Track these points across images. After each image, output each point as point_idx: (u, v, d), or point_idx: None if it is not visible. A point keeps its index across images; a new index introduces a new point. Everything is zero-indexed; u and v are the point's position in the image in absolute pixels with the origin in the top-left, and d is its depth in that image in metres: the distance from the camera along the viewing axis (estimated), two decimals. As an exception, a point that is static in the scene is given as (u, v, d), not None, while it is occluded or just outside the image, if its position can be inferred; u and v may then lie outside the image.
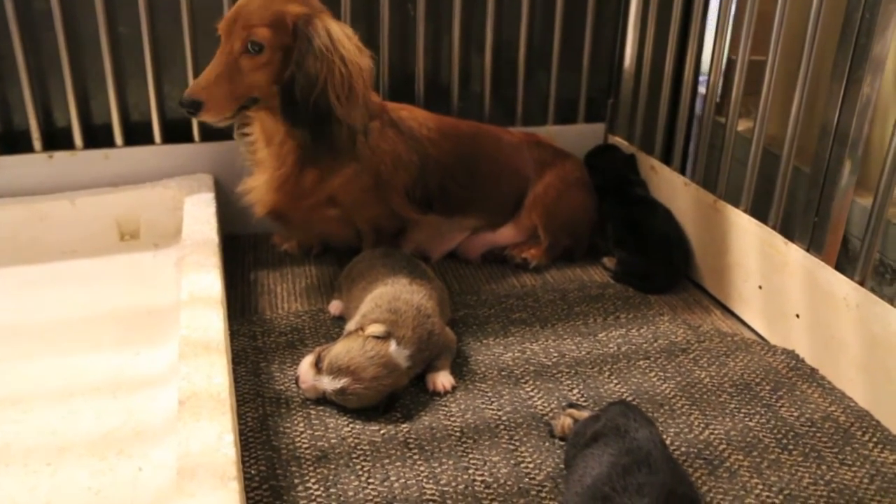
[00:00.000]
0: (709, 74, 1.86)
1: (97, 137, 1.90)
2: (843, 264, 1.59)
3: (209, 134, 1.91)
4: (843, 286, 1.45)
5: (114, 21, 1.83)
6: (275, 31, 1.50)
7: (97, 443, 1.23)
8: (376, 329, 1.34)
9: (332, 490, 1.17)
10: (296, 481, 1.19)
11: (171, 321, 1.48)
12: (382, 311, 1.40)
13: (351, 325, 1.43)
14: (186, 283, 1.44)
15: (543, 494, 1.18)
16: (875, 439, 1.33)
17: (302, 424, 1.31)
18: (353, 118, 1.57)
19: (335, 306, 1.64)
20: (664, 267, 1.83)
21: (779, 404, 1.40)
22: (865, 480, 1.23)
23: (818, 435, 1.33)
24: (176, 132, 1.94)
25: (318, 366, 1.34)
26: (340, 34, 1.54)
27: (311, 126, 1.55)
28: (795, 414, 1.38)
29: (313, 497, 1.16)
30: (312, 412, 1.34)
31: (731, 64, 1.83)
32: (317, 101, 1.52)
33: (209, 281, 1.46)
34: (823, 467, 1.26)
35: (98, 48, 1.82)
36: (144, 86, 1.88)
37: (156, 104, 1.90)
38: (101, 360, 1.44)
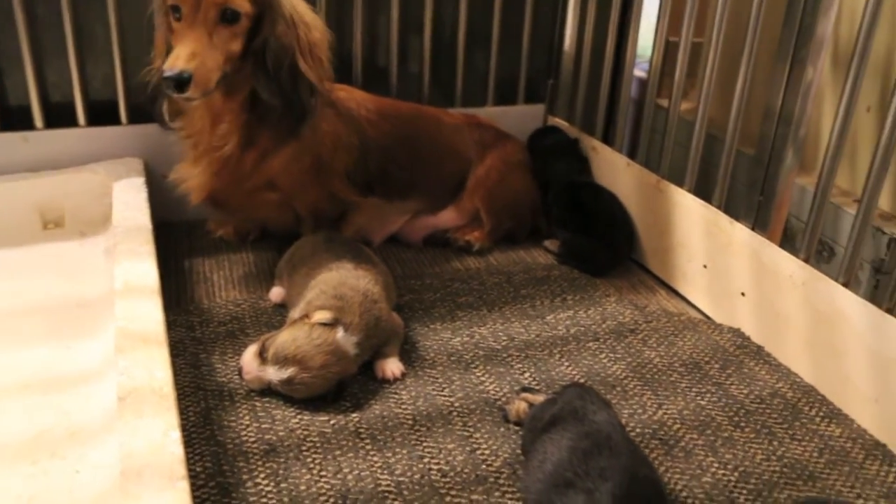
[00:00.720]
0: (651, 56, 1.86)
1: (14, 119, 1.80)
2: (783, 243, 1.61)
3: (138, 116, 1.83)
4: (788, 264, 1.46)
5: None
6: None
7: (28, 445, 1.16)
8: (323, 316, 1.30)
9: (282, 485, 1.13)
10: (244, 477, 1.14)
11: (103, 313, 1.41)
12: (328, 298, 1.36)
13: (295, 313, 1.38)
14: (120, 273, 1.37)
15: (502, 481, 1.16)
16: (822, 413, 1.34)
17: (247, 417, 1.26)
18: (319, 83, 1.54)
19: (276, 293, 1.59)
20: (607, 248, 1.82)
21: (728, 382, 1.41)
22: (815, 454, 1.25)
23: (768, 411, 1.34)
24: (101, 114, 1.84)
25: (262, 355, 1.29)
26: (301, 1, 1.52)
27: (284, 94, 1.50)
28: (745, 391, 1.39)
29: (263, 493, 1.12)
30: (258, 404, 1.29)
31: (672, 46, 1.83)
32: (288, 68, 1.48)
33: (144, 269, 1.38)
34: (775, 443, 1.27)
35: (13, 21, 1.71)
36: (66, 64, 1.78)
37: (79, 84, 1.80)
38: (29, 355, 1.36)
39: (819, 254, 1.77)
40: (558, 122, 2.17)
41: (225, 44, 1.44)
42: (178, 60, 1.39)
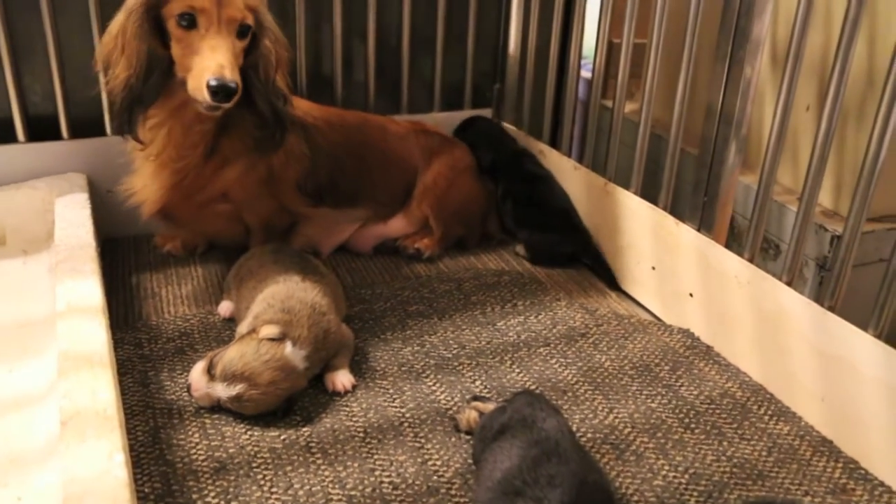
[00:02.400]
0: (594, 58, 1.87)
1: (-50, 137, 1.76)
2: (730, 242, 1.63)
3: (80, 130, 1.80)
4: (733, 264, 1.48)
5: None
6: (253, 14, 1.47)
7: (-31, 471, 1.14)
8: (270, 331, 1.28)
9: (233, 502, 1.12)
10: (194, 496, 1.13)
11: (47, 334, 1.39)
12: (276, 312, 1.35)
13: (243, 328, 1.37)
14: (62, 292, 1.34)
15: (454, 492, 1.16)
16: (770, 412, 1.36)
17: (197, 435, 1.25)
18: (289, 95, 1.57)
19: (225, 307, 1.57)
20: (572, 234, 1.85)
21: (678, 384, 1.43)
22: (764, 453, 1.26)
23: (717, 412, 1.36)
24: (41, 129, 1.81)
25: (210, 372, 1.27)
26: (272, 18, 1.55)
27: (272, 106, 1.52)
28: (695, 392, 1.40)
29: (213, 512, 1.10)
30: (207, 421, 1.28)
31: (614, 47, 1.84)
32: (273, 81, 1.51)
33: (88, 288, 1.36)
34: (725, 443, 1.28)
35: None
36: (2, 79, 1.75)
37: (17, 98, 1.76)
38: (-32, 379, 1.33)
39: (765, 251, 1.80)
40: (506, 125, 2.18)
41: (238, 56, 1.46)
42: (225, 70, 1.37)
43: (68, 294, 1.34)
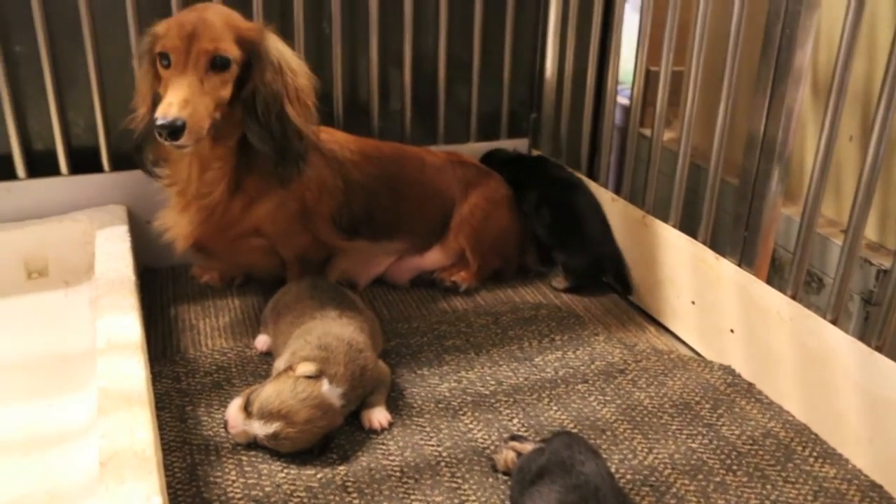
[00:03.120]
0: (631, 86, 1.86)
1: (-3, 170, 1.80)
2: (771, 275, 1.60)
3: (121, 163, 1.83)
4: (775, 300, 1.45)
5: (7, 41, 1.72)
6: (238, 46, 1.46)
7: (8, 509, 1.15)
8: (307, 368, 1.29)
9: (269, 545, 1.12)
10: (230, 537, 1.13)
11: (87, 367, 1.40)
12: (312, 348, 1.35)
13: (280, 364, 1.37)
14: (102, 328, 1.36)
15: (491, 535, 1.15)
16: (815, 454, 1.33)
17: (234, 472, 1.25)
18: (308, 129, 1.55)
19: (262, 341, 1.58)
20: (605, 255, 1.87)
21: (720, 423, 1.40)
22: (810, 497, 1.24)
23: (760, 453, 1.33)
24: (84, 161, 1.84)
25: (247, 409, 1.28)
26: (286, 48, 1.54)
27: (275, 142, 1.50)
28: (737, 432, 1.38)
29: (249, 554, 1.10)
30: (244, 458, 1.28)
31: (652, 75, 1.83)
32: (278, 115, 1.49)
33: (127, 324, 1.37)
34: (768, 486, 1.25)
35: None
36: (47, 112, 1.78)
37: (60, 132, 1.79)
38: (9, 412, 1.35)
39: (808, 285, 1.77)
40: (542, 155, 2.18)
41: (215, 90, 1.44)
42: (171, 108, 1.38)
43: (108, 330, 1.35)
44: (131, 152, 1.62)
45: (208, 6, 1.50)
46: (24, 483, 1.19)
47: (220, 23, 1.44)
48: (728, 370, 1.55)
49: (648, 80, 1.89)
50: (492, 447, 1.32)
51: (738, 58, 1.55)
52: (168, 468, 1.25)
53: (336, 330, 1.39)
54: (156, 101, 1.47)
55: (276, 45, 1.51)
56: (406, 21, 1.99)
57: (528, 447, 1.23)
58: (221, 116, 1.47)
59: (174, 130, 1.37)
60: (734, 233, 1.59)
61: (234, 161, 1.55)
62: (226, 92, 1.46)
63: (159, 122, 1.37)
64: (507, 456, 1.25)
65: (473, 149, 2.12)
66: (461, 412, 1.41)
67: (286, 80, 1.50)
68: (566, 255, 1.88)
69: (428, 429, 1.36)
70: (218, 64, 1.43)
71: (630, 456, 1.31)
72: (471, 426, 1.37)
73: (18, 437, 1.29)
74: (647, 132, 1.82)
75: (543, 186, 1.95)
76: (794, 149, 1.55)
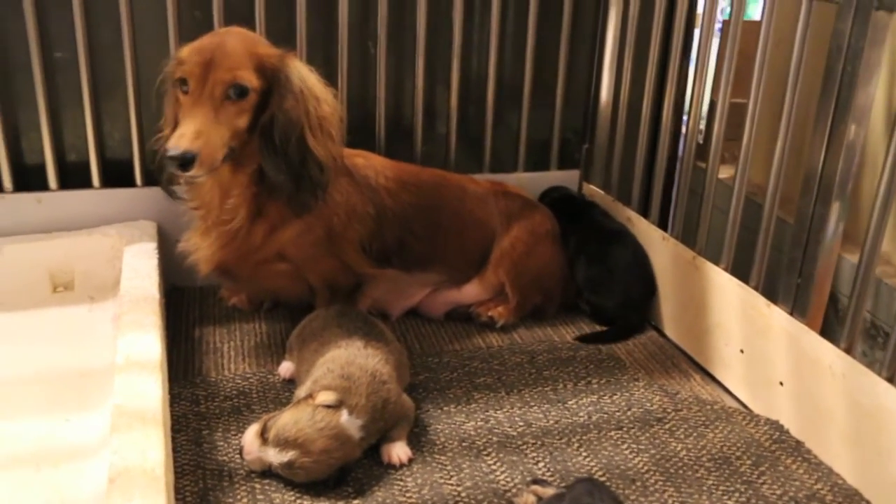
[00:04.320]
0: (687, 117, 1.90)
1: (29, 179, 1.91)
2: (833, 324, 1.61)
3: (153, 178, 1.91)
4: (828, 353, 1.47)
5: (47, 46, 1.83)
6: (257, 74, 1.52)
7: (15, 524, 1.23)
8: (326, 397, 1.35)
9: (275, 576, 1.17)
10: (236, 566, 1.19)
11: (106, 385, 1.47)
12: (334, 377, 1.41)
13: (301, 391, 1.43)
14: (123, 345, 1.44)
15: (504, 581, 1.19)
16: (864, 521, 1.35)
17: (245, 500, 1.31)
18: (329, 159, 1.60)
19: (285, 368, 1.65)
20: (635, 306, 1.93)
21: (760, 481, 1.42)
22: (851, 566, 1.25)
23: (802, 515, 1.35)
24: (116, 175, 1.94)
25: (264, 436, 1.34)
26: (310, 73, 1.59)
27: (292, 171, 1.56)
28: (778, 492, 1.40)
29: (254, 584, 1.16)
30: (257, 486, 1.34)
31: (712, 106, 1.86)
32: (295, 143, 1.54)
33: (148, 343, 1.45)
34: (806, 552, 1.27)
35: (30, 80, 1.82)
36: (82, 124, 1.89)
37: (94, 143, 1.90)
38: (24, 426, 1.43)
39: (873, 338, 1.78)
40: (593, 188, 2.22)
41: (232, 120, 1.51)
42: (182, 139, 1.45)
43: (128, 347, 1.43)
44: (155, 172, 1.71)
45: (231, 32, 1.56)
46: (32, 498, 1.27)
47: (241, 50, 1.51)
48: (775, 425, 1.57)
49: (712, 111, 1.92)
50: (513, 490, 1.36)
51: (798, 92, 1.58)
52: (179, 491, 1.32)
53: (360, 360, 1.45)
54: (177, 125, 1.54)
55: (298, 72, 1.56)
56: (455, 41, 2.06)
57: (549, 492, 1.27)
58: (240, 144, 1.55)
59: (184, 162, 1.45)
60: (788, 278, 1.62)
61: (256, 187, 1.62)
62: (242, 121, 1.53)
63: (170, 154, 1.46)
64: (527, 500, 1.29)
65: (521, 179, 2.18)
66: (485, 452, 1.46)
67: (308, 108, 1.56)
68: (595, 302, 1.97)
69: (449, 467, 1.41)
70: (235, 93, 1.50)
71: (660, 509, 1.34)
72: (494, 467, 1.42)
73: (31, 451, 1.37)
74: (703, 165, 1.85)
75: (584, 233, 2.03)
76: (854, 190, 1.57)
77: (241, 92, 1.51)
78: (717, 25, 1.90)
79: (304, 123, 1.55)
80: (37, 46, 1.80)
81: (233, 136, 1.52)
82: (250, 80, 1.51)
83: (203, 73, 1.49)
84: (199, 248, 1.68)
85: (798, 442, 1.53)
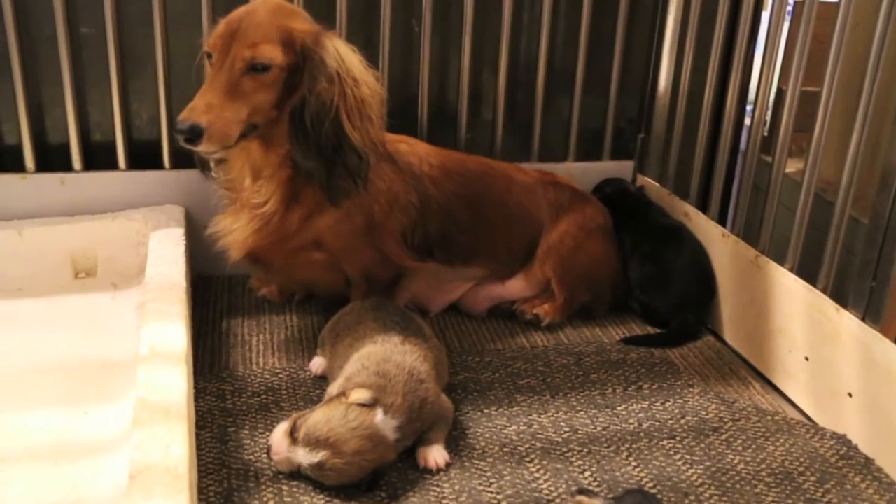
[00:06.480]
0: (754, 106, 1.87)
1: (52, 159, 1.92)
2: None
3: (182, 160, 1.93)
4: (902, 363, 1.45)
5: (74, 21, 1.84)
6: (283, 49, 1.52)
7: (32, 520, 1.23)
8: (361, 395, 1.34)
9: (302, 583, 1.17)
10: (261, 571, 1.19)
11: (128, 376, 1.48)
12: (369, 375, 1.40)
13: (333, 389, 1.43)
14: (147, 336, 1.44)
15: None
16: (936, 545, 1.32)
17: (272, 502, 1.31)
18: (367, 145, 1.59)
19: (317, 364, 1.65)
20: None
21: (825, 499, 1.40)
22: (922, 593, 1.23)
23: (870, 537, 1.32)
24: (143, 156, 1.96)
25: (293, 435, 1.33)
26: (350, 53, 1.58)
27: (324, 158, 1.55)
28: (844, 511, 1.37)
29: (280, 591, 1.16)
30: (285, 488, 1.34)
31: (780, 95, 1.83)
32: (330, 128, 1.54)
33: (173, 333, 1.46)
34: (875, 576, 1.25)
35: (56, 55, 1.84)
36: (109, 102, 1.90)
37: (121, 123, 1.91)
38: (42, 418, 1.44)
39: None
40: (648, 181, 2.20)
41: (250, 95, 1.51)
42: (192, 112, 1.47)
43: (153, 338, 1.44)
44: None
45: (267, 3, 1.56)
46: (50, 492, 1.28)
47: (269, 22, 1.51)
48: (842, 440, 1.55)
49: (777, 100, 1.89)
50: (557, 500, 1.35)
51: (879, 80, 1.55)
52: (202, 491, 1.32)
53: (397, 357, 1.45)
54: None
55: (335, 52, 1.55)
56: (504, 21, 2.05)
57: (596, 503, 1.25)
58: (266, 121, 1.55)
59: (192, 136, 1.46)
60: (860, 281, 1.58)
61: (290, 170, 1.61)
62: (264, 97, 1.53)
63: (177, 127, 1.47)
64: (572, 511, 1.28)
65: (571, 169, 2.17)
66: (527, 458, 1.44)
67: (345, 91, 1.54)
68: (648, 303, 1.96)
69: (489, 473, 1.40)
70: (256, 68, 1.51)
71: (715, 525, 1.33)
72: (536, 475, 1.40)
73: (50, 443, 1.38)
74: (769, 159, 1.82)
75: (640, 231, 2.01)
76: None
77: (263, 67, 1.51)
78: (788, 8, 1.86)
79: (341, 107, 1.54)
80: (63, 20, 1.82)
81: (253, 111, 1.52)
82: (274, 55, 1.50)
83: (225, 45, 1.50)
84: (231, 232, 1.68)
85: (867, 459, 1.50)
